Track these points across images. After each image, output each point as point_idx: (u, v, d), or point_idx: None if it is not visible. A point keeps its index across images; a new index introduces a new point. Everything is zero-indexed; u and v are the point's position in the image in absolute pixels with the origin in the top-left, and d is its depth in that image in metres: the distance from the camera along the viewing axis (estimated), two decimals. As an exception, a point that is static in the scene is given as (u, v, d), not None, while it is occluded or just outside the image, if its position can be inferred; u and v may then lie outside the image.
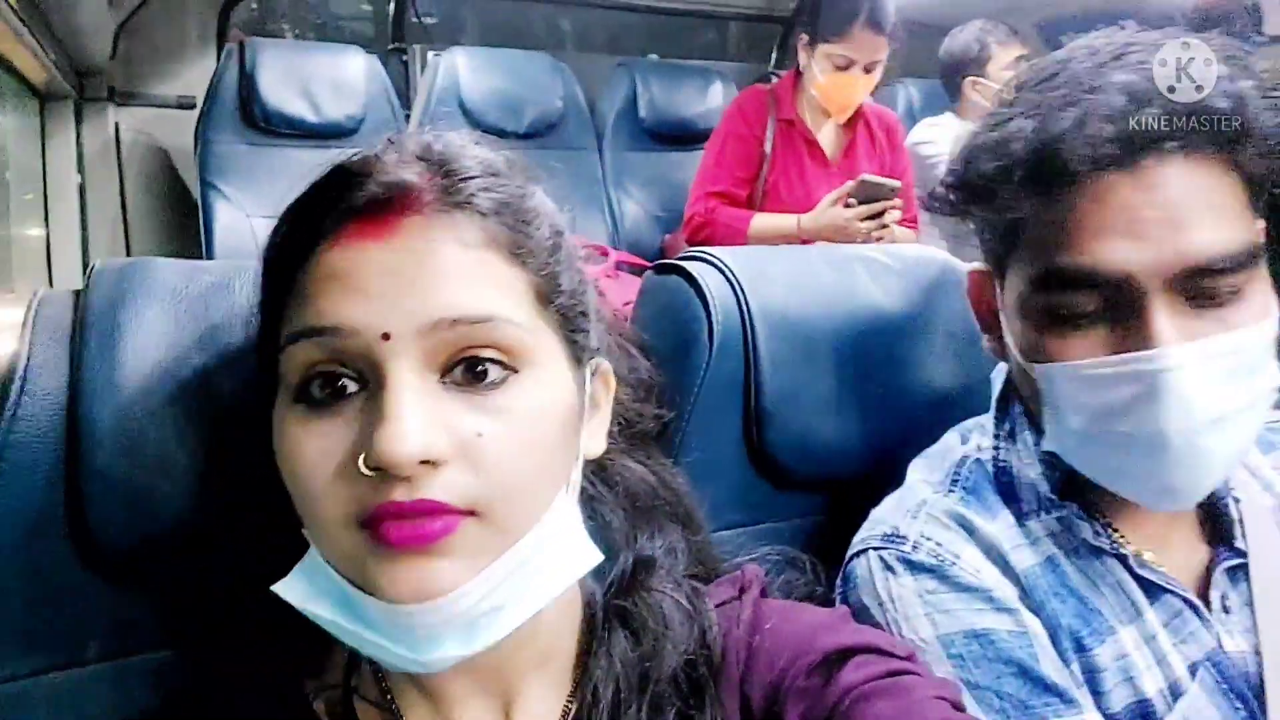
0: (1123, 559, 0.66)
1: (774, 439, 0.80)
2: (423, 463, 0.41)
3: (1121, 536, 0.67)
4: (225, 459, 0.56)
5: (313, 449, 0.44)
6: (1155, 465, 0.60)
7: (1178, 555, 0.68)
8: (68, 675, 0.57)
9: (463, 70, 2.65)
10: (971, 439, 0.74)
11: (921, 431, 0.83)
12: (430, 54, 2.77)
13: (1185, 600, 0.66)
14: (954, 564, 0.64)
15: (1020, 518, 0.68)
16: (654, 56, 3.46)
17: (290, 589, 0.47)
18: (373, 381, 0.44)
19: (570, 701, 0.52)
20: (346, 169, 0.48)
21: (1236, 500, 0.69)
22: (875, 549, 0.67)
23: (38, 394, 0.56)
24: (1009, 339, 0.68)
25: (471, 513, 0.43)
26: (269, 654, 0.54)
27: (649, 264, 1.12)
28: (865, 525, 0.71)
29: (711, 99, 2.94)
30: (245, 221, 2.32)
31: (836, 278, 0.85)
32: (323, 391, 0.45)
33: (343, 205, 0.46)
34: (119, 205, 2.55)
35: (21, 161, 2.33)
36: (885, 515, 0.70)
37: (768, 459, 0.81)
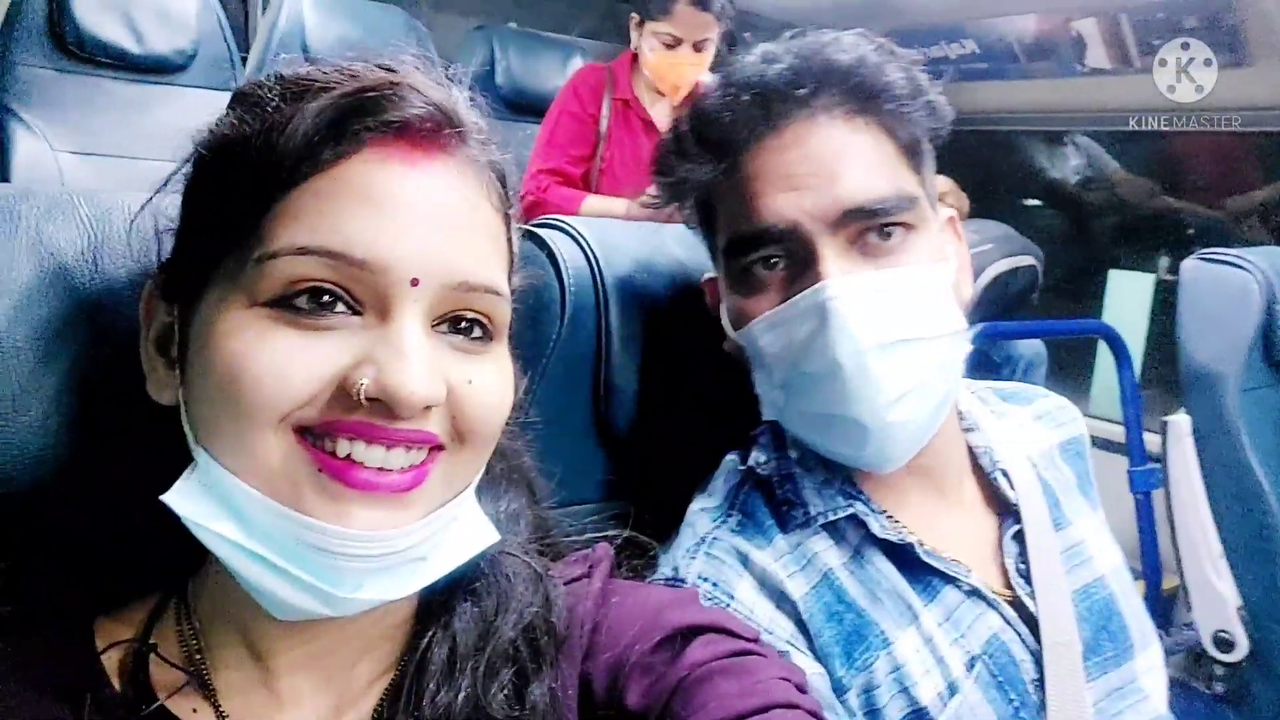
0: (909, 549, 0.67)
1: (623, 417, 0.78)
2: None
3: (904, 527, 0.69)
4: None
5: (277, 353, 0.41)
6: (838, 398, 0.63)
7: (964, 539, 0.70)
8: None
9: (309, 14, 2.48)
10: (752, 454, 0.73)
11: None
12: (274, -7, 2.59)
13: (967, 590, 0.67)
14: (728, 605, 0.64)
15: (803, 527, 0.68)
16: (514, 25, 3.38)
17: (182, 502, 0.42)
18: (373, 311, 0.42)
19: (401, 669, 0.49)
20: (376, 80, 0.44)
21: (1005, 473, 0.73)
22: None
23: None
24: (726, 323, 0.71)
25: (441, 447, 0.44)
26: (57, 598, 0.48)
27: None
28: (658, 564, 0.69)
29: (571, 73, 2.90)
30: (50, 155, 2.09)
31: (688, 257, 0.84)
32: (310, 303, 0.41)
33: (380, 117, 0.42)
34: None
35: None
36: (670, 554, 0.69)
37: (616, 436, 0.79)
